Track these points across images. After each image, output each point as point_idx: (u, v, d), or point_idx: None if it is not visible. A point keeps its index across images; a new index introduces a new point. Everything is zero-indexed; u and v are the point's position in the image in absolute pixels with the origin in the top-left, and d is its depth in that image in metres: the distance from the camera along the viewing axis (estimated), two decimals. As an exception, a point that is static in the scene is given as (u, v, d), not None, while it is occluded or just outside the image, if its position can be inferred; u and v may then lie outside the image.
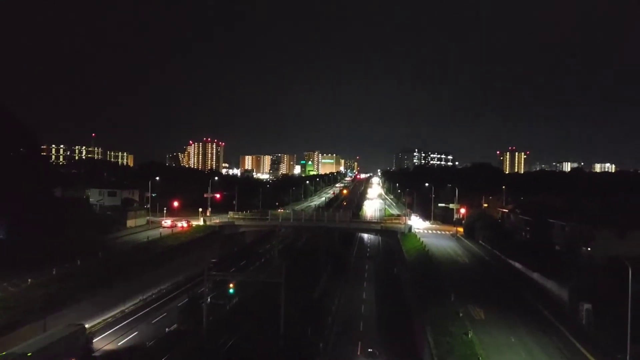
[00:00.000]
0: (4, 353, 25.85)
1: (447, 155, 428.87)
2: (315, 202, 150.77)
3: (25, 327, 30.58)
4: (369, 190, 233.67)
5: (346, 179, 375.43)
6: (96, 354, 32.03)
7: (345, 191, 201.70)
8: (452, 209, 77.22)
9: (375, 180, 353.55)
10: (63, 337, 28.99)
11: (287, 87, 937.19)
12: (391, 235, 72.06)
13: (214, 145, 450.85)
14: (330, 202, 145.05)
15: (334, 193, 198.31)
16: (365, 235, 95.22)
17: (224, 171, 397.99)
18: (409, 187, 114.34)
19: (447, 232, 72.11)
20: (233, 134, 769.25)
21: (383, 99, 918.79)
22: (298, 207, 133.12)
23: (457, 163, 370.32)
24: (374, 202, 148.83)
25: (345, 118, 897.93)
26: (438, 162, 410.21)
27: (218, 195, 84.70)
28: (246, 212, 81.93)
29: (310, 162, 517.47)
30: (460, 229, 71.00)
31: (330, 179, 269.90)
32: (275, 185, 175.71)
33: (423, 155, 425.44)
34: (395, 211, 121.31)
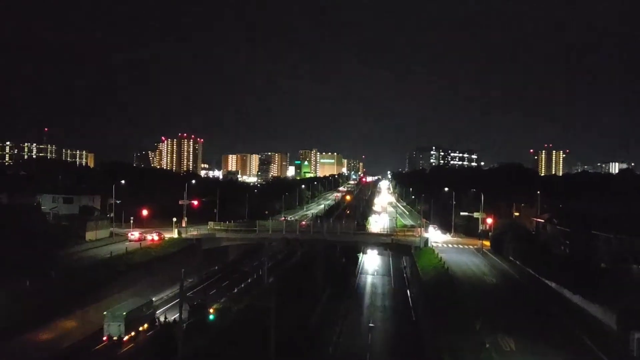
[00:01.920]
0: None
1: (470, 154, 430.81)
2: (312, 211, 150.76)
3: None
4: (377, 196, 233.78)
5: (349, 182, 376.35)
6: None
7: (348, 197, 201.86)
8: (477, 219, 77.33)
9: (385, 185, 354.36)
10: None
11: (279, 74, 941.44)
12: (404, 250, 72.03)
13: (191, 142, 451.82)
14: (330, 211, 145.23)
15: (337, 197, 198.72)
16: (373, 251, 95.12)
17: (202, 173, 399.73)
18: (425, 193, 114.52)
19: (471, 247, 72.17)
20: (214, 129, 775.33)
21: (393, 89, 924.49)
22: (292, 217, 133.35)
23: (482, 163, 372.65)
24: (383, 211, 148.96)
25: (348, 111, 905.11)
26: (460, 163, 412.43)
27: (196, 202, 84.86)
28: (229, 222, 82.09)
29: (306, 163, 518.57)
30: (487, 243, 71.05)
31: (330, 183, 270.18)
32: (264, 189, 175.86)
33: (442, 154, 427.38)
34: (408, 221, 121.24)
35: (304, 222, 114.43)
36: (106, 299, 46.63)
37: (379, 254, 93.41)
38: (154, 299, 51.48)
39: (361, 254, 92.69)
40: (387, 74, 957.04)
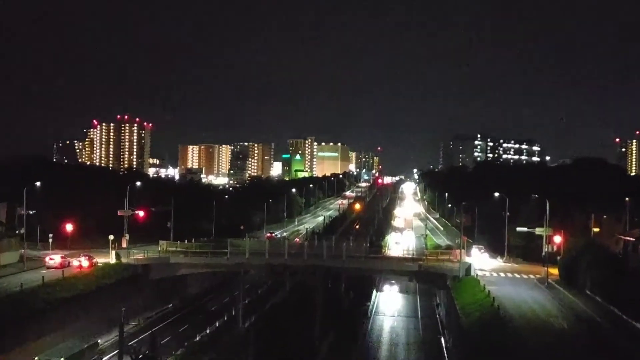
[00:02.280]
0: (36, 358, 45.08)
1: (530, 144, 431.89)
2: (307, 225, 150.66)
3: None
4: (399, 205, 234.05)
5: (360, 184, 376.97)
6: None
7: (358, 206, 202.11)
8: (540, 237, 77.31)
9: (409, 188, 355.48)
10: (89, 345, 49.75)
11: (259, 36, 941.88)
12: (436, 281, 71.90)
13: (135, 128, 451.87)
14: (332, 225, 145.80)
15: (342, 206, 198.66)
16: (393, 284, 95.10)
17: (151, 171, 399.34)
18: (467, 199, 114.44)
19: (532, 276, 72.09)
20: (167, 111, 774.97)
21: (421, 50, 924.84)
22: (278, 233, 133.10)
23: (547, 158, 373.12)
24: (407, 226, 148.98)
25: (356, 83, 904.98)
26: (516, 157, 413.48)
27: (142, 213, 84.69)
28: (190, 241, 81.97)
29: (298, 157, 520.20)
30: (554, 271, 70.99)
31: (332, 185, 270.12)
32: (239, 195, 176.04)
33: (490, 145, 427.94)
34: (442, 240, 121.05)
35: (297, 240, 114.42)
36: (14, 349, 46.53)
37: (400, 290, 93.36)
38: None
39: (375, 287, 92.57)
40: (412, 29, 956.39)
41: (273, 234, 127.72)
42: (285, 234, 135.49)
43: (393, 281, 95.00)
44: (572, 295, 61.37)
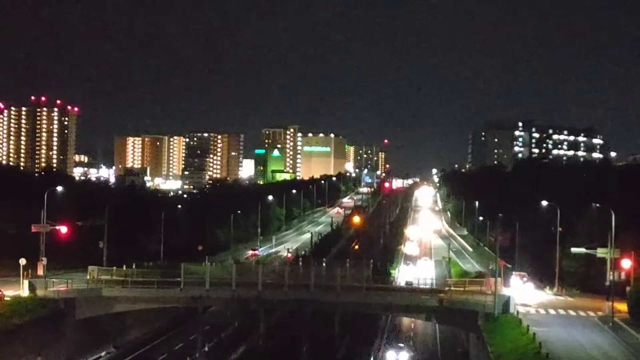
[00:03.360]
0: None
1: (590, 136, 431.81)
2: (288, 245, 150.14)
3: None
4: (413, 219, 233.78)
5: (360, 189, 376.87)
6: None
7: (357, 219, 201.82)
8: (602, 261, 77.45)
9: (427, 195, 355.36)
10: None
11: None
12: (463, 320, 71.81)
13: (56, 114, 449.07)
14: (323, 245, 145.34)
15: (338, 215, 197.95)
16: (404, 324, 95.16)
17: (78, 172, 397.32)
18: (504, 211, 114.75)
19: (591, 314, 72.30)
20: (98, 92, 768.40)
21: (442, 14, 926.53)
22: (250, 255, 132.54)
23: (613, 154, 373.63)
24: (425, 251, 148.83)
25: (352, 61, 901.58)
26: (570, 152, 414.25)
27: (64, 229, 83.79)
28: (130, 267, 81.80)
29: (277, 153, 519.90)
30: (622, 306, 71.17)
31: (323, 191, 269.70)
32: (196, 204, 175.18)
33: (536, 136, 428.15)
34: (471, 265, 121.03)
35: (288, 256, 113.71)
36: None
37: (412, 335, 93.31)
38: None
39: (381, 330, 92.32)
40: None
41: (257, 251, 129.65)
42: (260, 257, 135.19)
43: (405, 320, 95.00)
44: (645, 340, 61.54)
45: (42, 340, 63.01)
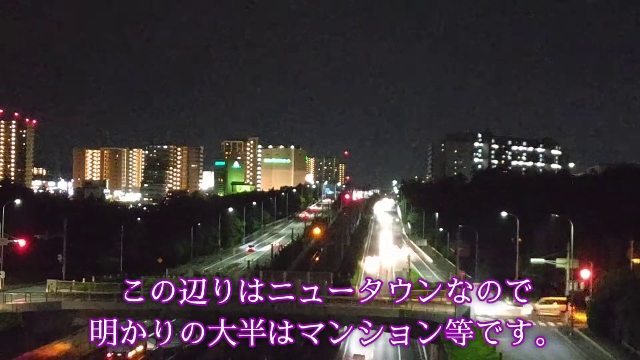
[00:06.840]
0: None
1: (548, 147, 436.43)
2: (249, 257, 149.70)
3: None
4: (373, 231, 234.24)
5: (321, 201, 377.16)
6: None
7: (317, 230, 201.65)
8: (562, 270, 78.16)
9: (387, 206, 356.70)
10: None
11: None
12: (423, 331, 71.91)
13: (14, 126, 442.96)
14: (284, 257, 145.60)
15: (305, 221, 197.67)
16: (365, 333, 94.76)
17: (36, 185, 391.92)
18: (464, 222, 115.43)
19: (551, 324, 72.84)
20: (57, 104, 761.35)
21: (395, 36, 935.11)
22: (211, 267, 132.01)
23: (571, 165, 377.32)
24: (387, 256, 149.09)
25: (311, 72, 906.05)
26: (529, 164, 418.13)
27: (22, 243, 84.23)
28: (89, 280, 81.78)
29: (237, 165, 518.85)
30: (581, 316, 71.83)
31: (283, 203, 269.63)
32: (156, 217, 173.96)
33: (495, 147, 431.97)
34: (432, 276, 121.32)
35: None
36: None
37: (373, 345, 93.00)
38: None
39: (342, 340, 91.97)
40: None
41: (253, 248, 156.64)
42: (219, 268, 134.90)
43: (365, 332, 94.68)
44: (605, 349, 62.17)
45: (1, 356, 62.25)
